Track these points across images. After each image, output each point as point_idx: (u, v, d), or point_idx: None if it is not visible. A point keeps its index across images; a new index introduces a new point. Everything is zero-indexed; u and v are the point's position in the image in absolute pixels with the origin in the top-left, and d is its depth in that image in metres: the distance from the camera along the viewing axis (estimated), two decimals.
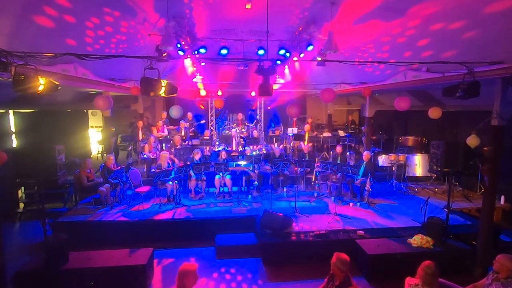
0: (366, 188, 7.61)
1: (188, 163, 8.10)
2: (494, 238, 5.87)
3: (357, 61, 8.27)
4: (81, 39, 5.79)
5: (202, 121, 13.36)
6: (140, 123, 10.84)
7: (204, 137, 10.65)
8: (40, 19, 4.57)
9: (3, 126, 8.63)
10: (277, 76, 10.57)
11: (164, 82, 5.05)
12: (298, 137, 11.13)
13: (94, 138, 12.57)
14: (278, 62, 8.87)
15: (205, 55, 8.42)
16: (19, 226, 7.66)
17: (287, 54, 8.55)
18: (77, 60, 5.65)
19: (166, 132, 10.96)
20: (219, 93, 12.83)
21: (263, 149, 10.21)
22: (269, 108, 14.73)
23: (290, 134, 11.58)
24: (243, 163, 8.32)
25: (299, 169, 8.48)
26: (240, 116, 12.94)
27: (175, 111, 11.88)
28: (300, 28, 7.64)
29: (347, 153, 9.43)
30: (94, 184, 7.19)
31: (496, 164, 5.22)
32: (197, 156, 8.26)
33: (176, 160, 8.40)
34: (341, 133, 12.62)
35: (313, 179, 8.39)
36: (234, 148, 10.39)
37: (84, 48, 6.04)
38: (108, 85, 8.30)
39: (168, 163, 7.76)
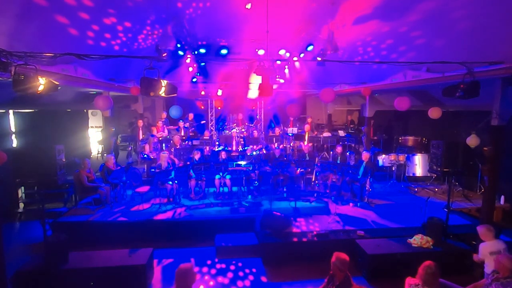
0: (366, 188, 7.61)
1: (188, 163, 8.10)
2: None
3: (357, 61, 8.27)
4: (82, 39, 5.79)
5: (203, 122, 13.37)
6: (140, 123, 10.85)
7: (204, 137, 10.66)
8: (40, 18, 4.57)
9: (3, 126, 8.62)
10: (277, 76, 10.55)
11: (164, 82, 5.05)
12: (298, 137, 11.13)
13: (94, 138, 12.57)
14: (278, 62, 8.87)
15: (205, 55, 8.42)
16: (19, 226, 7.65)
17: (287, 54, 8.55)
18: (77, 60, 5.64)
19: (166, 132, 10.96)
20: (219, 93, 12.84)
21: (263, 149, 10.21)
22: (269, 108, 14.73)
23: (290, 134, 11.58)
24: (243, 163, 8.31)
25: (299, 169, 8.48)
26: (240, 116, 12.93)
27: (175, 111, 11.88)
28: (300, 28, 7.64)
29: (347, 153, 9.44)
30: (95, 185, 7.19)
31: (496, 164, 5.23)
32: (197, 156, 8.26)
33: (176, 160, 8.40)
34: (341, 133, 12.62)
35: (313, 179, 8.39)
36: (234, 148, 10.39)
37: (85, 48, 6.04)
38: (108, 85, 8.31)
39: (168, 163, 7.76)
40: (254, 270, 5.49)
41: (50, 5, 4.46)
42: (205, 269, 5.49)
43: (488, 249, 4.07)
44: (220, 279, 5.24)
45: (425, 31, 5.52)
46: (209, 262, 5.74)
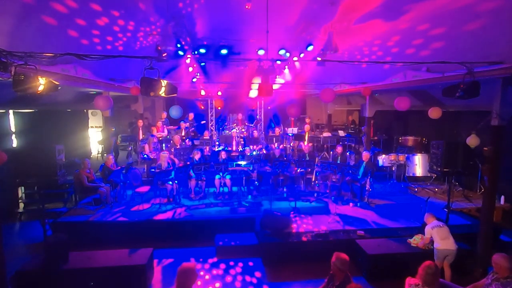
0: (366, 188, 7.61)
1: (188, 163, 8.10)
2: (494, 238, 5.87)
3: (357, 61, 8.26)
4: (82, 39, 5.79)
5: (203, 122, 13.36)
6: (140, 123, 10.84)
7: (204, 137, 10.66)
8: (40, 18, 4.57)
9: (3, 126, 8.63)
10: (277, 76, 10.55)
11: (164, 82, 5.04)
12: (298, 137, 11.13)
13: (94, 138, 12.57)
14: (278, 62, 8.86)
15: (205, 55, 8.41)
16: (19, 226, 7.65)
17: (287, 54, 8.54)
18: (77, 60, 5.63)
19: (166, 132, 10.96)
20: (219, 93, 12.85)
21: (263, 149, 10.21)
22: (269, 108, 14.73)
23: (290, 134, 11.58)
24: (243, 163, 8.31)
25: (299, 169, 8.48)
26: (240, 116, 12.94)
27: (175, 111, 11.88)
28: (300, 28, 7.63)
29: (347, 153, 9.44)
30: (95, 185, 7.18)
31: (496, 164, 5.23)
32: (197, 156, 8.26)
33: (176, 160, 8.40)
34: (341, 133, 12.64)
35: (313, 179, 8.39)
36: (234, 148, 10.39)
37: (84, 48, 6.03)
38: (108, 85, 8.30)
39: (168, 163, 7.76)
40: (254, 270, 5.50)
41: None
42: (205, 269, 5.49)
43: (430, 226, 5.05)
44: (219, 279, 5.23)
45: (425, 31, 5.50)
46: (209, 261, 5.74)
